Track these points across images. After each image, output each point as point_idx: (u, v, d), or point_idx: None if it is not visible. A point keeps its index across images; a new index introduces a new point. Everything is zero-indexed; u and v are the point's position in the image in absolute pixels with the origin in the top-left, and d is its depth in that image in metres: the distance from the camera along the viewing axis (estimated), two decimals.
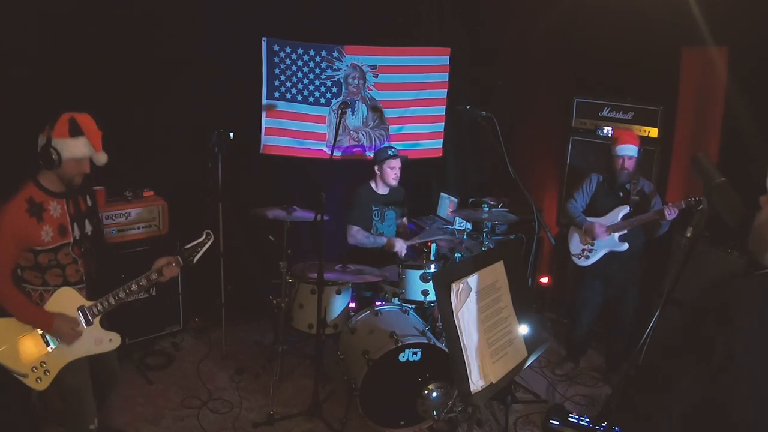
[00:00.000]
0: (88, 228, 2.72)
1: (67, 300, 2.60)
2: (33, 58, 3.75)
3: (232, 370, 4.06)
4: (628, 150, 3.83)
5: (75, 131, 2.50)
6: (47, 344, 2.58)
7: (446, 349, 3.31)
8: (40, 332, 2.57)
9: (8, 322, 2.51)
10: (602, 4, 4.37)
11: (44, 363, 2.57)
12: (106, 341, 2.72)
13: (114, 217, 3.97)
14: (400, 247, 4.06)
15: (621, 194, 3.94)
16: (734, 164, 3.84)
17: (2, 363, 2.51)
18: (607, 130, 4.64)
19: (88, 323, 2.64)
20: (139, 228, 4.09)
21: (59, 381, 2.60)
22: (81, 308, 2.63)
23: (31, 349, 2.56)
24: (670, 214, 3.72)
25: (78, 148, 2.51)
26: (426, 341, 3.40)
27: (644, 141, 4.50)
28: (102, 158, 2.62)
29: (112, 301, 2.65)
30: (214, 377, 3.98)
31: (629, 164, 3.86)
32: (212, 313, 4.42)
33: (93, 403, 2.73)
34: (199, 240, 2.76)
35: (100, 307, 2.65)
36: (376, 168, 4.32)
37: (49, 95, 3.76)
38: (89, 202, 2.77)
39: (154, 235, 4.14)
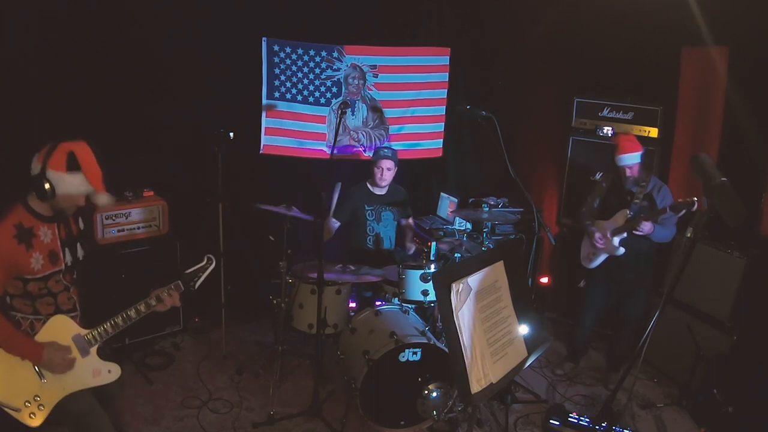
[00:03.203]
0: (80, 252, 2.56)
1: (60, 329, 2.43)
2: (33, 58, 3.75)
3: (232, 370, 4.06)
4: (628, 159, 3.77)
5: (72, 166, 2.31)
6: (41, 377, 2.39)
7: (446, 349, 3.31)
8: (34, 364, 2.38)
9: None
10: (602, 4, 4.37)
11: (38, 397, 2.38)
12: (105, 373, 2.52)
13: (114, 217, 3.97)
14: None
15: (627, 198, 3.88)
16: (734, 164, 3.85)
17: None
18: (607, 130, 4.63)
19: (85, 353, 2.45)
20: (139, 228, 4.09)
21: (64, 410, 2.43)
22: (76, 337, 2.44)
23: (24, 382, 2.37)
24: (642, 228, 3.66)
25: (74, 186, 2.34)
26: (426, 341, 3.40)
27: (644, 141, 4.49)
28: (103, 200, 2.43)
29: (109, 329, 2.47)
30: (214, 377, 3.98)
31: (632, 171, 3.80)
32: (212, 313, 4.42)
33: (107, 422, 2.56)
34: (201, 264, 2.63)
35: (96, 335, 2.46)
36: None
37: (50, 95, 3.77)
38: (81, 225, 2.61)
39: (154, 235, 4.14)
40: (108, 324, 2.48)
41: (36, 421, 2.38)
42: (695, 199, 3.43)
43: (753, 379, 3.49)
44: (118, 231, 4.00)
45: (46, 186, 2.29)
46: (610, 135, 4.61)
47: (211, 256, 2.65)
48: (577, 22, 4.64)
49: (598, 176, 4.55)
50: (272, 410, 3.54)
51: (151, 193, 4.22)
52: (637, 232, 3.69)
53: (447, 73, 5.13)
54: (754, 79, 3.91)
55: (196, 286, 2.63)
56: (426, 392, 3.38)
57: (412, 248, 4.45)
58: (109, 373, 2.55)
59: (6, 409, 2.35)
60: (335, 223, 4.23)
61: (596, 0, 4.40)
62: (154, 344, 4.26)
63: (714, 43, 4.02)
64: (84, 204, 2.45)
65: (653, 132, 4.45)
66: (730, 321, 3.78)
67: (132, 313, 2.49)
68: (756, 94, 3.90)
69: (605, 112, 4.68)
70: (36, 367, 2.39)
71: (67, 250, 2.48)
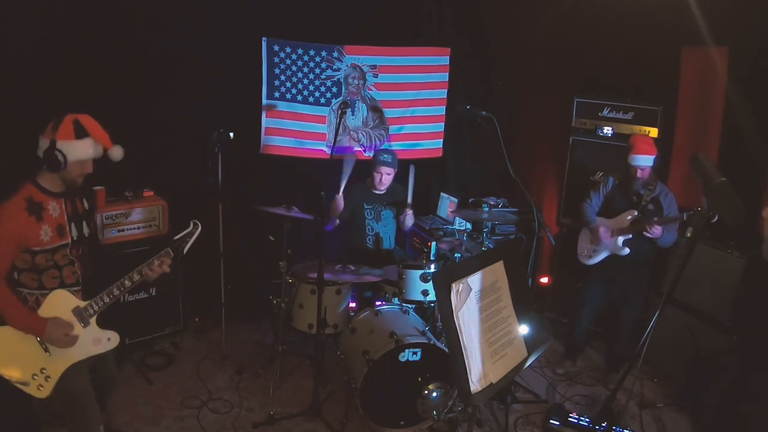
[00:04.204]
0: (86, 230, 2.69)
1: (61, 302, 2.56)
2: (33, 58, 3.75)
3: (232, 370, 4.06)
4: (642, 160, 3.75)
5: (80, 133, 2.49)
6: (45, 350, 2.52)
7: (446, 349, 3.31)
8: (37, 338, 2.51)
9: (3, 330, 2.46)
10: (602, 4, 4.37)
11: (44, 369, 2.52)
12: (105, 340, 2.68)
13: (114, 217, 3.97)
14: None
15: (634, 198, 3.89)
16: (734, 164, 3.85)
17: (1, 373, 2.46)
18: (607, 130, 4.64)
19: (85, 324, 2.61)
20: (139, 228, 4.09)
21: (61, 387, 2.55)
22: (76, 309, 2.59)
23: (30, 355, 2.50)
24: (654, 232, 3.66)
25: (84, 150, 2.51)
26: (426, 341, 3.40)
27: None
28: (116, 152, 2.62)
29: (106, 299, 2.62)
30: (214, 377, 3.98)
31: (643, 173, 3.79)
32: (212, 313, 4.42)
33: (97, 408, 2.69)
34: (187, 230, 2.77)
35: (95, 306, 2.62)
36: None
37: (50, 95, 3.76)
38: (86, 205, 2.74)
39: (154, 235, 4.13)
40: (105, 294, 2.63)
41: (44, 393, 2.52)
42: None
43: (753, 379, 3.49)
44: (118, 231, 4.00)
45: (58, 156, 2.44)
46: (610, 135, 4.62)
47: (197, 221, 2.79)
48: (577, 22, 4.64)
49: (598, 176, 4.55)
50: (272, 410, 3.54)
51: (151, 193, 4.22)
52: (648, 235, 3.68)
53: (447, 73, 5.13)
54: (754, 79, 3.91)
55: (185, 251, 2.77)
56: (426, 392, 3.38)
57: (409, 222, 4.31)
58: (108, 340, 2.69)
59: (16, 384, 2.47)
60: (342, 200, 4.20)
61: (596, 0, 4.40)
62: (154, 344, 4.26)
63: (714, 43, 4.02)
64: (91, 170, 2.61)
65: (653, 132, 4.45)
66: (730, 321, 3.78)
67: (126, 282, 2.65)
68: (756, 94, 3.89)
69: (605, 112, 4.68)
70: (40, 341, 2.52)
71: (73, 225, 2.62)
